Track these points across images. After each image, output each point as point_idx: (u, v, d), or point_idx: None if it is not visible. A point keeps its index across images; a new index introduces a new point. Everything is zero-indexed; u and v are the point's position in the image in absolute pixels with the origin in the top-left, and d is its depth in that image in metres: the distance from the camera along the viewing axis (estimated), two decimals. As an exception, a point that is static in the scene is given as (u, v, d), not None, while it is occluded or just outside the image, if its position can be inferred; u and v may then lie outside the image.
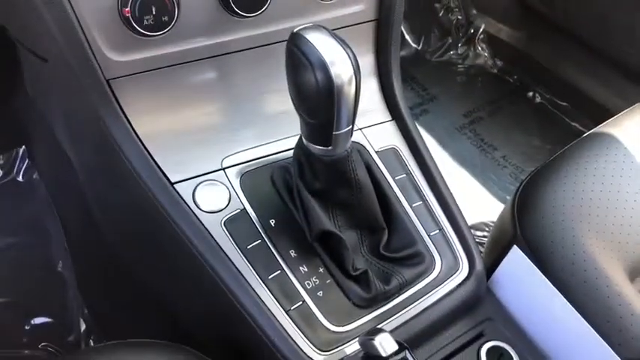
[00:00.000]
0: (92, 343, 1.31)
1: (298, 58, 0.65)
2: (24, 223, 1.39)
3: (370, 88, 0.95)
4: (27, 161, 1.44)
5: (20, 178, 1.43)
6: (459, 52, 2.24)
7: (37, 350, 1.26)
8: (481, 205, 1.74)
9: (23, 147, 1.45)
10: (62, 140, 1.00)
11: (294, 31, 0.66)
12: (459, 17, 2.24)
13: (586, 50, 1.92)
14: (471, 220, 1.58)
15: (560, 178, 0.92)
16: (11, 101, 1.32)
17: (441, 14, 2.23)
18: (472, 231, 0.92)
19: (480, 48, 2.24)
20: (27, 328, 1.28)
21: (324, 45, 0.64)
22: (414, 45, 2.23)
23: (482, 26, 2.23)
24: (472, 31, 2.23)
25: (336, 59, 0.64)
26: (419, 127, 0.97)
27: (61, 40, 0.72)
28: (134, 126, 0.78)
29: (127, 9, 0.70)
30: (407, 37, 2.21)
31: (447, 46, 2.24)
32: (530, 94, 2.12)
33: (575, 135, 1.03)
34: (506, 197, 1.76)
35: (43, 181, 1.40)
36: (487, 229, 1.62)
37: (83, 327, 1.30)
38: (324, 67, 0.64)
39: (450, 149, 1.91)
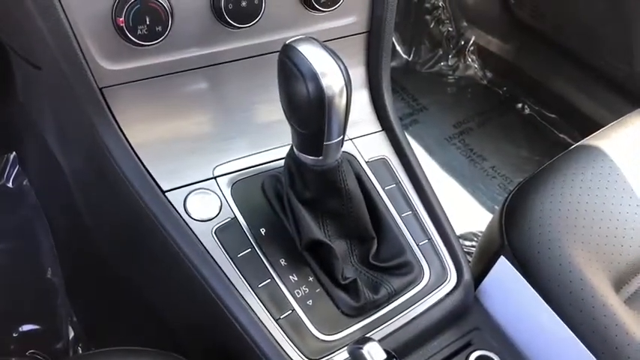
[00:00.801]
0: (80, 351, 1.30)
1: (290, 69, 0.66)
2: (13, 229, 1.38)
3: (361, 99, 0.96)
4: (17, 167, 1.43)
5: (10, 184, 1.43)
6: (449, 63, 2.26)
7: (25, 358, 1.25)
8: (470, 214, 1.75)
9: (14, 153, 1.44)
10: (53, 147, 1.01)
11: (286, 42, 0.67)
12: (450, 29, 2.26)
13: (575, 63, 1.95)
14: (459, 229, 1.59)
15: (548, 190, 0.93)
16: (2, 107, 1.32)
17: (431, 26, 2.25)
18: (460, 241, 0.93)
19: (469, 59, 2.26)
20: (15, 335, 1.27)
21: (315, 56, 0.65)
22: (404, 56, 2.25)
23: (473, 38, 2.25)
24: (462, 42, 2.26)
25: (328, 71, 0.65)
26: (409, 137, 0.98)
27: (55, 48, 0.72)
28: (126, 134, 0.78)
29: (121, 18, 0.71)
30: (398, 48, 2.23)
31: (437, 57, 2.26)
32: (520, 105, 2.14)
33: (563, 146, 1.05)
34: (494, 207, 1.78)
35: (33, 188, 1.40)
36: (475, 238, 1.63)
37: (71, 334, 1.29)
38: (316, 79, 0.65)
39: (439, 159, 1.92)
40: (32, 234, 1.36)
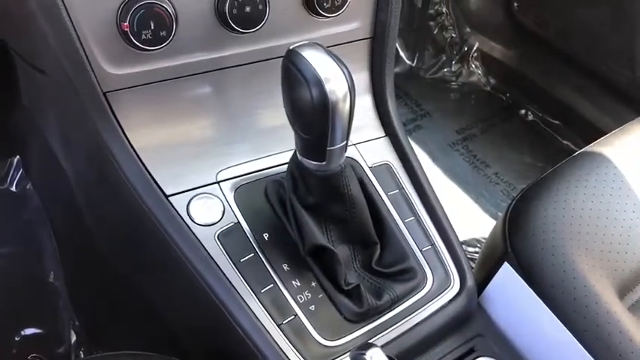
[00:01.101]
0: (82, 355, 1.30)
1: (294, 75, 0.66)
2: (16, 233, 1.38)
3: (364, 104, 0.96)
4: (21, 171, 1.43)
5: (13, 188, 1.43)
6: (453, 69, 2.27)
7: (27, 362, 1.25)
8: (473, 221, 1.75)
9: (17, 157, 1.45)
10: (56, 150, 1.01)
11: (290, 48, 0.68)
12: (453, 35, 2.27)
13: (578, 70, 1.95)
14: (462, 236, 1.59)
15: (551, 196, 0.93)
16: (6, 111, 1.33)
17: (435, 32, 2.25)
18: (464, 247, 0.93)
19: (473, 66, 2.26)
20: (17, 339, 1.27)
21: (319, 62, 0.65)
22: (408, 62, 2.26)
23: (476, 44, 2.25)
24: (466, 49, 2.26)
25: (331, 76, 0.65)
26: (412, 143, 0.98)
27: (60, 52, 0.73)
28: (130, 139, 0.78)
29: (126, 23, 0.71)
30: (401, 54, 2.24)
31: (440, 63, 2.26)
32: (523, 112, 2.14)
33: (566, 153, 1.05)
34: (498, 214, 1.77)
35: (36, 191, 1.40)
36: (479, 245, 1.63)
37: (74, 338, 1.29)
38: (319, 84, 0.65)
39: (442, 165, 1.92)
40: (35, 237, 1.36)
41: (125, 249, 0.96)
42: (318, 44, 0.68)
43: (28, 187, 1.42)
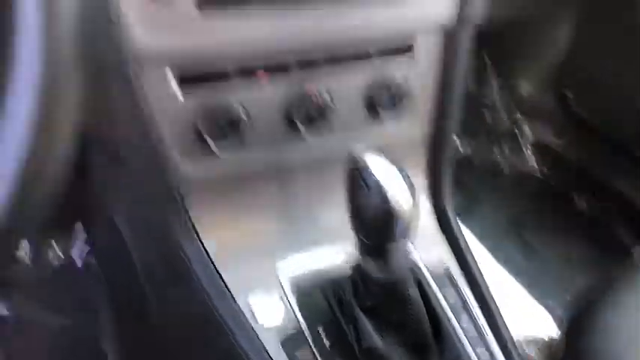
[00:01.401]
0: None
1: (357, 183, 0.69)
2: (75, 305, 1.42)
3: (422, 206, 0.97)
4: (85, 244, 1.49)
5: (77, 260, 1.48)
6: (505, 156, 2.27)
7: None
8: (527, 312, 1.70)
9: (82, 228, 1.50)
10: (123, 232, 1.05)
11: (353, 154, 0.70)
12: (506, 122, 2.28)
13: (634, 160, 1.92)
14: (516, 330, 1.54)
15: (619, 308, 0.90)
16: (77, 183, 1.39)
17: (487, 119, 2.28)
18: (516, 340, 0.91)
19: (526, 153, 2.26)
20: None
21: (382, 172, 0.68)
22: (460, 149, 2.28)
23: (529, 132, 2.26)
24: (518, 136, 2.27)
25: (395, 187, 0.67)
26: (465, 230, 0.98)
27: (139, 147, 0.78)
28: (200, 235, 0.82)
29: (203, 127, 0.76)
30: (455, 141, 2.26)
31: (493, 150, 2.28)
32: (577, 201, 2.11)
33: (621, 245, 1.03)
34: (553, 306, 1.72)
35: (99, 267, 1.45)
36: (533, 345, 1.57)
37: None
38: (383, 194, 0.67)
39: (495, 254, 1.89)
40: (92, 313, 1.39)
41: (186, 342, 0.98)
42: (380, 151, 0.71)
43: (91, 260, 1.47)
